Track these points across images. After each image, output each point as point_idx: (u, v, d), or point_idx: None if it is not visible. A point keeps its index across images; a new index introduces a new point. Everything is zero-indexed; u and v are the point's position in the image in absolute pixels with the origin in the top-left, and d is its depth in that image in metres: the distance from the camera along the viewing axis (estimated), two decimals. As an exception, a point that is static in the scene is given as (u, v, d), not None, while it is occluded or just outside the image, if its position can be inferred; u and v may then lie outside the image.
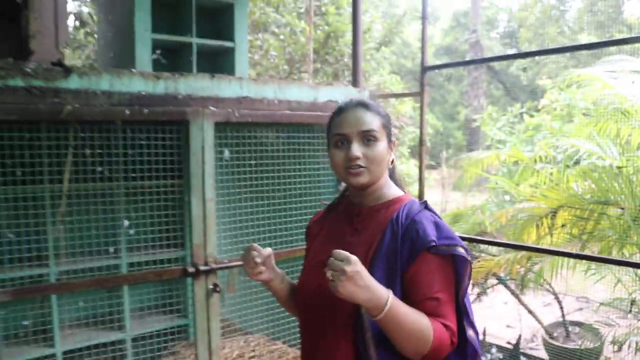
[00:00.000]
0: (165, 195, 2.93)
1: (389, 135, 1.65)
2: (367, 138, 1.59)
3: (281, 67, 7.32)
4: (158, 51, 3.42)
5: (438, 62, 22.75)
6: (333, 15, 7.43)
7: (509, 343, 4.49)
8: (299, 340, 3.12)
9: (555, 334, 4.44)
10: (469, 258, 1.56)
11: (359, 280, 1.36)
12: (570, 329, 4.39)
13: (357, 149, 1.58)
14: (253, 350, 3.09)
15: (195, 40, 3.48)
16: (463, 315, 1.57)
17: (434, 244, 1.49)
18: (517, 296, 4.49)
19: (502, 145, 9.31)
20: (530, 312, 4.48)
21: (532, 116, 9.69)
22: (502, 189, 5.17)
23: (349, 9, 8.57)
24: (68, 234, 2.57)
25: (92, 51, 6.90)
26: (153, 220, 2.93)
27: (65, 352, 2.99)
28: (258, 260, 1.64)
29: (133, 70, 2.49)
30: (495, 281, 4.58)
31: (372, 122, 1.61)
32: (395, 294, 1.47)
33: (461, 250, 1.52)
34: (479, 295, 4.59)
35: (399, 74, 17.87)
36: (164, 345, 3.23)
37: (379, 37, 9.65)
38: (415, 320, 1.44)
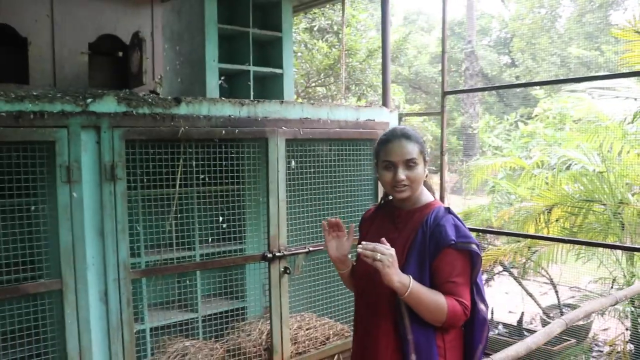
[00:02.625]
0: (232, 197, 3.55)
1: (424, 158, 2.17)
2: (409, 164, 2.11)
3: (298, 81, 8.02)
4: (222, 77, 4.11)
5: (434, 69, 23.51)
6: (348, 35, 8.16)
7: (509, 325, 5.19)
8: (341, 316, 3.77)
9: (551, 315, 5.15)
10: (479, 252, 2.10)
11: (392, 267, 1.93)
12: (564, 310, 5.10)
13: (402, 173, 2.10)
14: (308, 323, 3.76)
15: (252, 68, 4.17)
16: (475, 293, 2.12)
17: (452, 242, 2.03)
18: (519, 281, 5.20)
19: (499, 151, 10.02)
20: (530, 294, 5.18)
21: (526, 124, 10.41)
22: (505, 190, 5.92)
23: (359, 27, 9.29)
24: (178, 228, 3.24)
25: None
26: (225, 217, 3.57)
27: (151, 329, 3.61)
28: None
29: (223, 98, 3.17)
30: (500, 268, 5.29)
31: (413, 151, 2.12)
32: (425, 277, 2.05)
33: (474, 247, 2.07)
34: (487, 280, 5.30)
35: (396, 82, 18.58)
36: (226, 323, 3.82)
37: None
38: (431, 299, 2.00)
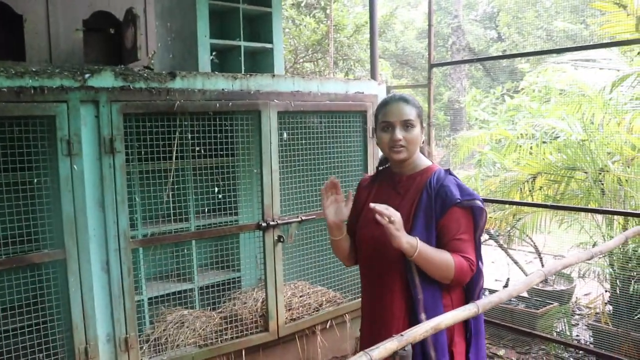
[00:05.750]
0: (226, 169, 3.63)
1: (421, 122, 2.24)
2: (407, 125, 2.18)
3: (286, 58, 8.06)
4: (214, 53, 4.17)
5: (420, 45, 23.47)
6: (336, 11, 8.20)
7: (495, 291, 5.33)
8: (333, 284, 3.88)
9: (536, 281, 5.31)
10: (483, 206, 2.17)
11: (401, 230, 1.98)
12: (548, 278, 5.27)
13: (399, 133, 2.16)
14: (301, 291, 3.90)
15: (243, 44, 4.24)
16: (478, 250, 2.20)
17: (458, 200, 2.11)
18: (504, 249, 5.37)
19: (486, 125, 10.14)
20: (515, 262, 5.35)
21: (512, 97, 10.50)
22: (492, 160, 6.06)
23: (346, 2, 9.31)
24: (175, 199, 3.35)
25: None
26: (220, 189, 3.67)
27: (149, 299, 3.72)
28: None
29: (217, 72, 3.25)
30: (486, 236, 5.45)
31: (411, 113, 2.19)
32: (431, 237, 2.11)
33: (478, 203, 2.15)
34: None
35: (383, 57, 18.59)
36: (222, 293, 3.92)
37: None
38: (439, 257, 2.06)
